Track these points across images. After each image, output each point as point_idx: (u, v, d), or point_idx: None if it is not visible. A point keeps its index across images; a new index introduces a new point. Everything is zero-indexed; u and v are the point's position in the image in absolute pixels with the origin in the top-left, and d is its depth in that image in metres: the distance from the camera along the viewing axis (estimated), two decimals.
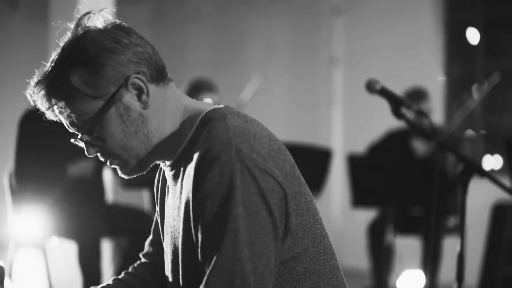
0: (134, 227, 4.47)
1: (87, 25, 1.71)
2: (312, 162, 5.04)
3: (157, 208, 1.96)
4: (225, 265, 1.53)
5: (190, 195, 1.64)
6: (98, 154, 1.76)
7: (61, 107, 1.69)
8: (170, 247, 1.81)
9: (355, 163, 5.13)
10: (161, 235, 1.93)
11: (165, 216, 1.85)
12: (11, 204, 4.57)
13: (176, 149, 1.74)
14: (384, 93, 2.68)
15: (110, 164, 1.77)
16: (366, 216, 5.97)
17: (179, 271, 1.75)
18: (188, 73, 5.78)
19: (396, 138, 5.61)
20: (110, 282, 2.02)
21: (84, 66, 1.66)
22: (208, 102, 3.41)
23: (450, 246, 5.16)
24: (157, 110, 1.72)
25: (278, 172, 1.62)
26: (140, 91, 1.69)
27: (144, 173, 1.83)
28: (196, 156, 1.62)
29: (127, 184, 5.06)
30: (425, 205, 5.12)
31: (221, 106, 1.73)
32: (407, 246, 5.98)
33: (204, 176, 1.59)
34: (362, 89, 2.76)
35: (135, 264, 2.07)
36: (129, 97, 1.68)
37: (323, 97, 7.72)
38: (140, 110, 1.70)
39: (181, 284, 1.74)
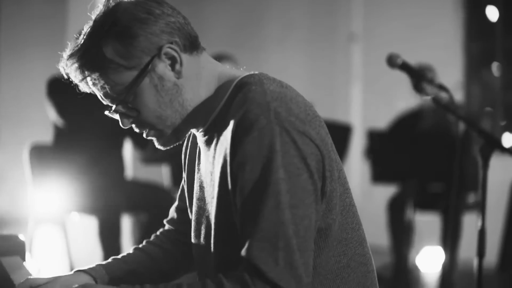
0: (153, 202, 4.49)
1: None
2: (332, 137, 5.02)
3: (184, 175, 1.96)
4: (267, 228, 1.53)
5: (228, 159, 1.63)
6: (133, 126, 1.77)
7: (95, 79, 1.70)
8: (200, 213, 1.80)
9: (374, 139, 5.11)
10: (187, 201, 1.93)
11: (195, 181, 1.85)
12: (31, 180, 4.59)
13: (210, 115, 1.74)
14: (405, 67, 2.66)
15: (146, 136, 1.78)
16: (385, 192, 5.95)
17: (211, 236, 1.75)
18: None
19: (406, 121, 5.59)
20: (131, 251, 2.04)
21: (117, 37, 1.67)
22: None
23: (469, 222, 5.15)
24: (191, 79, 1.73)
25: (316, 135, 1.62)
26: (173, 61, 1.69)
27: (180, 142, 1.84)
28: (232, 120, 1.62)
29: (146, 160, 5.08)
30: (445, 181, 5.10)
31: (256, 72, 1.73)
32: (427, 223, 5.96)
33: (243, 140, 1.58)
34: (381, 65, 2.74)
35: (157, 233, 2.09)
36: (162, 67, 1.69)
37: (341, 73, 7.68)
38: (174, 79, 1.71)
39: (212, 249, 1.74)
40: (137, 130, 1.78)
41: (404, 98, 5.74)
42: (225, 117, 1.67)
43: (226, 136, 1.64)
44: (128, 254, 2.02)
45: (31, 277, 1.81)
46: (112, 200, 4.37)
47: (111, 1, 1.71)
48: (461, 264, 5.34)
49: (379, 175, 5.03)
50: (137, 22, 1.67)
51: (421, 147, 4.90)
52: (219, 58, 4.91)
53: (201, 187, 1.81)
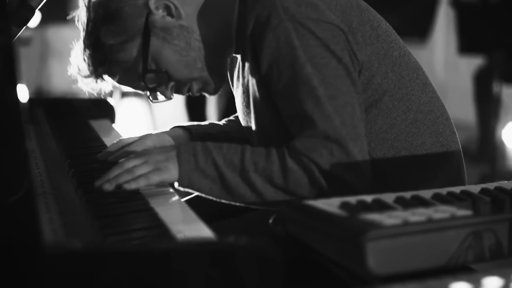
0: None
1: None
2: (418, 7, 4.88)
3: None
4: (314, 125, 1.50)
5: (253, 68, 1.62)
6: (174, 94, 1.77)
7: (109, 70, 1.74)
8: (244, 122, 1.79)
9: (462, 8, 4.92)
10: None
11: (236, 93, 1.83)
12: None
13: (230, 30, 1.71)
14: None
15: (193, 93, 1.78)
16: (470, 65, 5.81)
17: (253, 138, 1.74)
18: None
19: None
20: (225, 122, 2.06)
21: (104, 22, 1.69)
22: None
23: None
24: (194, 13, 1.70)
25: (333, 14, 1.56)
26: (168, 9, 1.68)
27: (228, 77, 1.84)
28: (248, 29, 1.60)
29: None
30: None
31: None
32: None
33: (261, 46, 1.56)
34: None
35: None
36: (160, 19, 1.68)
37: None
38: (178, 23, 1.69)
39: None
40: (181, 93, 1.78)
41: None
42: (244, 28, 1.64)
43: (249, 46, 1.63)
44: (224, 124, 2.04)
45: (123, 137, 1.84)
46: None
47: (85, 1, 1.72)
48: None
49: (466, 46, 4.87)
50: None
51: (510, 16, 4.71)
52: None
53: (241, 97, 1.77)
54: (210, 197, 1.57)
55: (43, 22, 5.36)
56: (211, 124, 1.99)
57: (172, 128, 1.92)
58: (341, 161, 1.48)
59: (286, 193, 1.52)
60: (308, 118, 1.51)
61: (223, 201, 1.58)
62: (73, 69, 1.79)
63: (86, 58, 1.74)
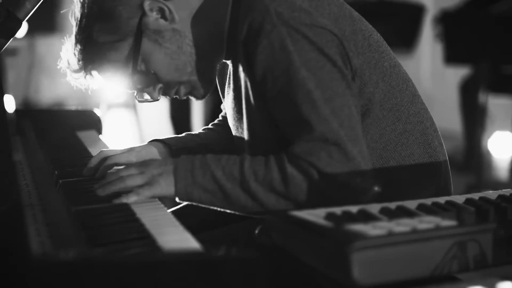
0: None
1: None
2: (404, 18, 4.90)
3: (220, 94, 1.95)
4: (312, 129, 1.49)
5: (248, 74, 1.62)
6: (161, 94, 1.77)
7: (100, 67, 1.72)
8: (235, 128, 1.79)
9: (448, 19, 4.95)
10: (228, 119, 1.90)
11: (228, 100, 1.82)
12: None
13: (222, 36, 1.71)
14: None
15: (180, 96, 1.78)
16: (456, 75, 5.83)
17: (245, 147, 1.74)
18: None
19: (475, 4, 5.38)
20: (201, 130, 2.06)
21: (97, 19, 1.69)
22: None
23: None
24: (188, 17, 1.71)
25: (327, 20, 1.57)
26: (162, 12, 1.67)
27: (216, 83, 1.84)
28: (241, 36, 1.60)
29: None
30: None
31: None
32: (499, 106, 5.85)
33: (255, 52, 1.56)
34: None
35: (220, 116, 2.11)
36: (153, 21, 1.67)
37: None
38: (171, 27, 1.69)
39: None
40: (168, 95, 1.78)
41: None
42: (236, 34, 1.64)
43: (240, 51, 1.63)
44: (200, 132, 2.04)
45: (105, 149, 1.83)
46: None
47: None
48: None
49: (452, 56, 4.89)
50: None
51: (496, 27, 4.74)
52: None
53: (232, 103, 1.77)
54: (212, 208, 1.58)
55: (31, 32, 5.35)
56: (189, 136, 1.98)
57: (151, 141, 1.91)
58: (341, 162, 1.47)
59: (288, 200, 1.51)
60: (305, 122, 1.50)
61: (227, 211, 1.58)
62: (63, 63, 1.78)
63: (76, 53, 1.73)
